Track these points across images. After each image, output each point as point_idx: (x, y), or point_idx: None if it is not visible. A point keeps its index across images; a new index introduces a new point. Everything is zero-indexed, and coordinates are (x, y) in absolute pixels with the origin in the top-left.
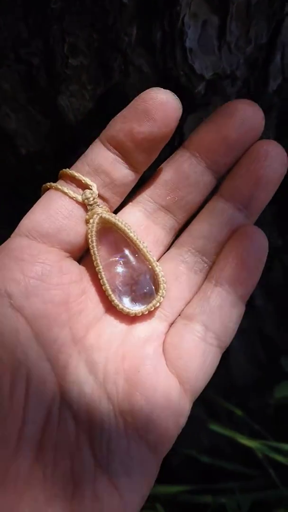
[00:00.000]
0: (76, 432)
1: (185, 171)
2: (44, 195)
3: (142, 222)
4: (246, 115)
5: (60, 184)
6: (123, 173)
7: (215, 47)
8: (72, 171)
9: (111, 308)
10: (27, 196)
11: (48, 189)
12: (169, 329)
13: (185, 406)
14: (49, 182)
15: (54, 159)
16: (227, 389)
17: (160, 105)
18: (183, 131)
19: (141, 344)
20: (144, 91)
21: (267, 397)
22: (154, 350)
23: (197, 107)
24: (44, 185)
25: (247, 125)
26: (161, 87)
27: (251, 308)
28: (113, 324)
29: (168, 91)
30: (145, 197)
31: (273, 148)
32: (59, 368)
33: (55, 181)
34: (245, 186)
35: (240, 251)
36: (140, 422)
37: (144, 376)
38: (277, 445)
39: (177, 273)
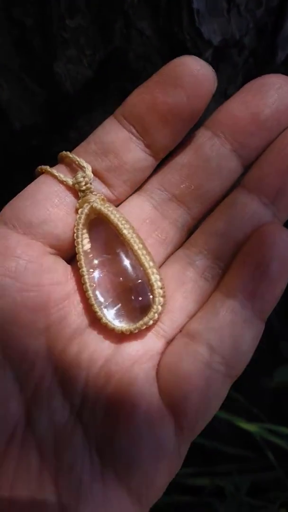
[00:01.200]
0: (40, 469)
1: (205, 154)
2: (35, 180)
3: (148, 215)
4: (282, 91)
5: (55, 168)
6: (137, 156)
7: (224, 9)
8: (66, 152)
9: (95, 318)
10: (22, 175)
11: (41, 173)
12: (166, 348)
13: (181, 449)
14: (45, 159)
15: (50, 133)
16: None
17: (192, 72)
18: None
19: (129, 365)
20: (174, 59)
21: (265, 382)
22: (145, 373)
23: None
24: (37, 168)
25: (283, 102)
26: (165, 53)
27: None
28: (99, 338)
29: (202, 60)
30: (155, 184)
31: None
32: (29, 389)
33: (52, 159)
34: (274, 175)
35: (260, 255)
36: (122, 464)
37: (130, 407)
38: (275, 428)
39: (183, 279)
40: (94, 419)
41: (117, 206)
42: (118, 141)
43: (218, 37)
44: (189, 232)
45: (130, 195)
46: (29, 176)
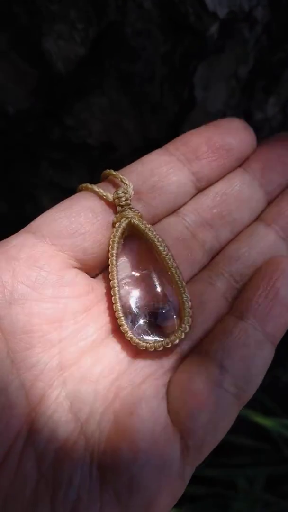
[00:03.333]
0: (37, 482)
1: (237, 185)
2: (74, 195)
3: (180, 234)
4: None
5: (95, 185)
6: (181, 180)
7: None
8: (110, 170)
9: (117, 332)
10: (21, 164)
11: (81, 190)
12: (179, 365)
13: (185, 472)
14: (43, 148)
15: (45, 119)
16: None
17: (243, 125)
18: (193, 81)
19: (140, 381)
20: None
21: (280, 373)
22: (155, 390)
23: (209, 54)
24: (79, 186)
25: None
26: (165, 29)
27: None
28: (114, 352)
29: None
30: (189, 208)
31: None
32: (34, 398)
33: (50, 148)
34: None
35: (272, 282)
36: (123, 483)
37: (137, 423)
38: None
39: (203, 298)
40: (99, 434)
41: (152, 225)
42: (165, 166)
43: (224, 9)
44: (213, 256)
45: (166, 216)
46: (29, 165)
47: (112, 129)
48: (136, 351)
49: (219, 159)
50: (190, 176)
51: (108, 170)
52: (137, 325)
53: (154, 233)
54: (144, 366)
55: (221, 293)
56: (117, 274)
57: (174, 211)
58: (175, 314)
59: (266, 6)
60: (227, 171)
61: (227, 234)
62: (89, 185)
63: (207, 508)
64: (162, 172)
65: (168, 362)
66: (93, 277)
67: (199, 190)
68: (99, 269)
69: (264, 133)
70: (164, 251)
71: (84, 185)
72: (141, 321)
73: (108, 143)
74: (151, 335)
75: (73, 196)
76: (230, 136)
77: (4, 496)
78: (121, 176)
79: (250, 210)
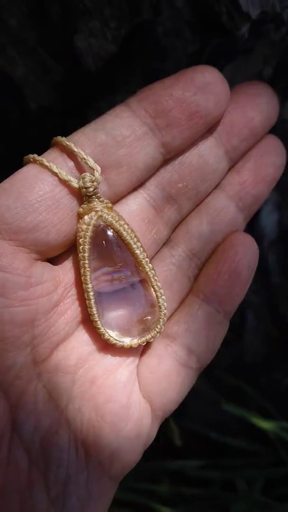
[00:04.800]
0: (29, 469)
1: (204, 154)
2: (24, 171)
3: (146, 214)
4: (270, 100)
5: (50, 158)
6: (150, 154)
7: None
8: (70, 143)
9: (86, 322)
10: None
11: (30, 162)
12: (147, 347)
13: (154, 432)
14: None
15: (67, 116)
16: (238, 367)
17: (222, 81)
18: None
19: (114, 368)
20: (199, 66)
21: (278, 376)
22: (128, 375)
23: (237, 54)
24: (25, 157)
25: (270, 110)
26: (196, 29)
27: (265, 285)
28: (85, 343)
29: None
30: (154, 182)
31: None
32: (13, 396)
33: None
34: (253, 183)
35: (234, 265)
36: (105, 456)
37: (116, 407)
38: None
39: (169, 280)
40: (80, 419)
41: (115, 203)
42: (133, 135)
43: (257, 10)
44: (174, 229)
45: (129, 192)
46: None
47: None
48: (107, 342)
49: (192, 128)
50: (160, 149)
51: (63, 141)
52: (111, 323)
53: (129, 231)
54: (115, 355)
55: (184, 272)
56: (90, 279)
57: (138, 186)
58: (150, 312)
59: None
60: (197, 138)
61: (189, 206)
62: (45, 162)
63: (204, 510)
64: (130, 146)
65: (137, 349)
66: (55, 262)
67: (166, 161)
68: (59, 252)
69: (279, 135)
70: (141, 254)
71: (37, 158)
72: (116, 319)
73: None
74: (127, 332)
75: (27, 174)
76: (207, 97)
77: (1, 487)
78: (85, 157)
79: (214, 181)
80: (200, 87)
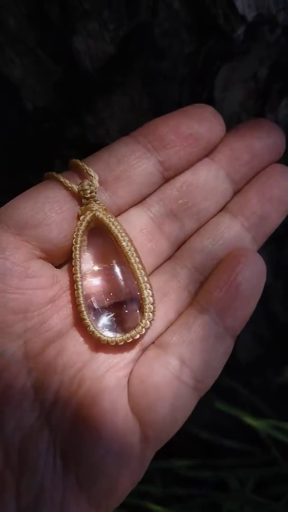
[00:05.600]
0: (3, 470)
1: (204, 174)
2: (39, 184)
3: (145, 225)
4: (273, 132)
5: (61, 174)
6: (148, 170)
7: None
8: (76, 160)
9: (80, 324)
10: (34, 160)
11: (47, 178)
12: (140, 357)
13: (144, 458)
14: (59, 144)
15: (64, 116)
16: (231, 367)
17: (213, 112)
18: (214, 82)
19: (103, 372)
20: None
21: (271, 375)
22: (116, 380)
23: (233, 56)
24: (44, 174)
25: (272, 141)
26: (193, 30)
27: None
28: (77, 343)
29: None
30: (155, 198)
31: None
32: (0, 388)
33: (66, 144)
34: (257, 203)
35: (234, 275)
36: (85, 471)
37: (99, 414)
38: (281, 424)
39: (166, 290)
40: (63, 423)
41: (117, 215)
42: (132, 155)
43: (252, 12)
44: (178, 247)
45: (131, 206)
46: (41, 161)
47: (130, 129)
48: (98, 343)
49: (186, 148)
50: (158, 166)
51: (75, 160)
52: (101, 319)
53: (118, 227)
54: (106, 358)
55: (184, 285)
56: (80, 268)
57: (140, 201)
58: (138, 308)
59: None
60: (195, 160)
61: (193, 225)
62: (54, 174)
63: (197, 509)
64: (129, 161)
65: (129, 354)
66: (58, 267)
67: (166, 180)
68: (64, 259)
69: None
70: (127, 246)
71: (50, 173)
72: (105, 315)
73: None
74: (113, 328)
75: (38, 185)
76: (198, 124)
77: None
78: (87, 168)
79: (216, 201)
80: (193, 117)
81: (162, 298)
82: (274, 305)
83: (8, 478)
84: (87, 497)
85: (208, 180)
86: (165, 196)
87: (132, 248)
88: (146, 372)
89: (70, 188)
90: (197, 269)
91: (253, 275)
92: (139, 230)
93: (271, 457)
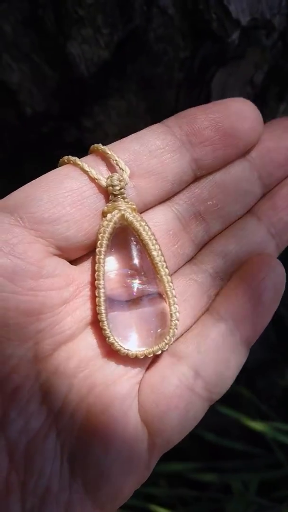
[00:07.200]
0: (8, 474)
1: (237, 175)
2: (58, 170)
3: (171, 226)
4: None
5: (84, 161)
6: (181, 168)
7: None
8: (103, 147)
9: (95, 325)
10: (32, 165)
11: (65, 163)
12: (152, 364)
13: (151, 462)
14: (57, 148)
15: (62, 120)
16: None
17: (254, 111)
18: (210, 87)
19: (116, 378)
20: (232, 98)
21: (276, 378)
22: (128, 389)
23: (229, 60)
24: (62, 158)
25: None
26: (187, 35)
27: None
28: (90, 346)
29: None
30: (183, 197)
31: None
32: (8, 389)
33: (64, 148)
34: (285, 207)
35: (255, 283)
36: (92, 476)
37: (109, 421)
38: (284, 427)
39: (186, 294)
40: (71, 427)
41: (142, 212)
42: (166, 148)
43: (246, 17)
44: (200, 249)
45: (158, 204)
46: (40, 166)
47: (127, 133)
48: (111, 349)
49: (225, 148)
50: (192, 164)
51: (99, 146)
52: (116, 325)
53: (149, 233)
54: (119, 364)
55: (205, 290)
56: (103, 275)
57: (167, 198)
58: (162, 322)
59: (284, 14)
60: (231, 161)
61: (218, 227)
62: (78, 161)
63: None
64: (162, 155)
65: (142, 361)
66: (75, 263)
67: (197, 178)
68: (82, 254)
69: None
70: (158, 256)
71: (71, 158)
72: (122, 324)
73: None
74: (137, 342)
75: (58, 171)
76: (240, 122)
77: None
78: (117, 159)
79: (246, 203)
80: (235, 112)
81: (181, 304)
82: (279, 309)
83: (13, 481)
84: (93, 500)
85: (240, 182)
86: (194, 196)
87: (163, 258)
88: (158, 381)
89: (96, 181)
90: (219, 274)
91: (274, 284)
92: (165, 231)
93: (276, 460)
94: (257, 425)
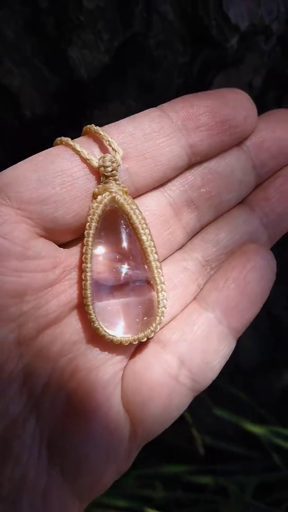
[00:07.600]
0: None
1: (231, 164)
2: (50, 150)
3: (163, 212)
4: None
5: (77, 141)
6: (176, 152)
7: None
8: (96, 127)
9: (80, 309)
10: None
11: (57, 144)
12: (137, 351)
13: (131, 453)
14: None
15: (62, 124)
16: (233, 372)
17: (250, 102)
18: None
19: (99, 364)
20: (228, 88)
21: (273, 380)
22: (111, 375)
23: (228, 65)
24: (55, 140)
25: None
26: (187, 41)
27: None
28: (74, 330)
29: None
30: (177, 184)
31: None
32: None
33: None
34: (278, 200)
35: (244, 273)
36: (70, 463)
37: (91, 407)
38: (281, 430)
39: (174, 281)
40: (51, 413)
41: (134, 198)
42: (162, 131)
43: (245, 22)
44: (192, 236)
45: (150, 189)
46: None
47: None
48: (95, 333)
49: (221, 135)
50: (187, 149)
51: (92, 126)
52: (102, 311)
53: (140, 217)
54: (103, 350)
55: (194, 278)
56: (91, 258)
57: (160, 184)
58: (150, 308)
59: (283, 19)
60: (226, 148)
61: (210, 215)
62: (70, 142)
63: None
64: (157, 138)
65: (127, 348)
66: (63, 245)
67: (191, 165)
68: (71, 237)
69: None
70: (147, 241)
71: (64, 139)
72: (108, 311)
73: None
74: (123, 329)
75: (49, 151)
76: (237, 110)
77: None
78: (110, 139)
79: (239, 193)
80: (232, 101)
81: (169, 291)
82: (276, 310)
83: None
84: (71, 488)
85: (235, 171)
86: (188, 182)
87: (152, 244)
88: (141, 368)
89: (88, 161)
90: (209, 262)
91: (263, 274)
92: (157, 217)
93: (272, 462)
94: (254, 428)
